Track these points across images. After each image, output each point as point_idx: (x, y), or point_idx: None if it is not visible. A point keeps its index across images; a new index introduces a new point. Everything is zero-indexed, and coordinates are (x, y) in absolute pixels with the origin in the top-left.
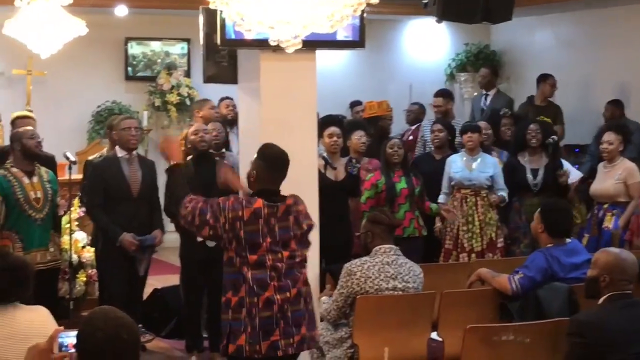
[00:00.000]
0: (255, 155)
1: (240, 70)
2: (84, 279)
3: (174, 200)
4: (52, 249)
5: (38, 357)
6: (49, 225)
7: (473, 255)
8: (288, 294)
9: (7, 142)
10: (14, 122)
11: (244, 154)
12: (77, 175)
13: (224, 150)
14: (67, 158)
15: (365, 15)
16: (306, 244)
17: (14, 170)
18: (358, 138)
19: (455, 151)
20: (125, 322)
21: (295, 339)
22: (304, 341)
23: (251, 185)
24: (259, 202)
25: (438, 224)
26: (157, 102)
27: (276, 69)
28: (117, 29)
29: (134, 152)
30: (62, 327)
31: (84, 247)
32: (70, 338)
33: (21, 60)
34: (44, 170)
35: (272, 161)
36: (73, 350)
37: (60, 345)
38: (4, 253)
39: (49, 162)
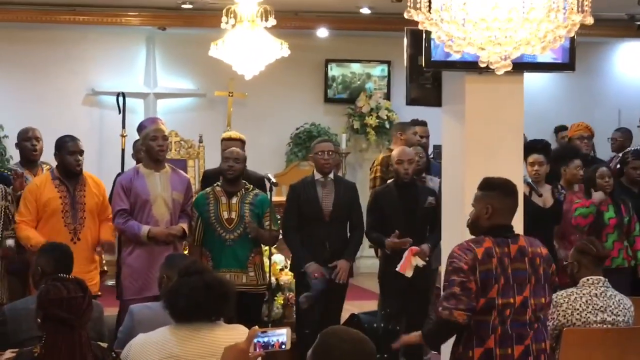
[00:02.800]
0: (481, 192)
1: (445, 93)
2: (282, 301)
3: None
4: (251, 273)
5: (236, 356)
6: (244, 247)
7: None
8: (510, 350)
9: (208, 162)
10: (221, 143)
11: (446, 178)
12: (278, 197)
13: (424, 175)
14: (268, 180)
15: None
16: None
17: (218, 189)
18: (576, 169)
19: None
20: (367, 339)
21: None
22: None
23: (480, 224)
24: (488, 241)
25: None
26: (356, 125)
27: (482, 91)
28: (318, 51)
29: (330, 175)
30: (257, 327)
31: (282, 269)
32: (274, 337)
33: (222, 82)
34: (253, 194)
35: (506, 188)
36: (279, 349)
37: (267, 344)
38: (202, 269)
39: (259, 182)
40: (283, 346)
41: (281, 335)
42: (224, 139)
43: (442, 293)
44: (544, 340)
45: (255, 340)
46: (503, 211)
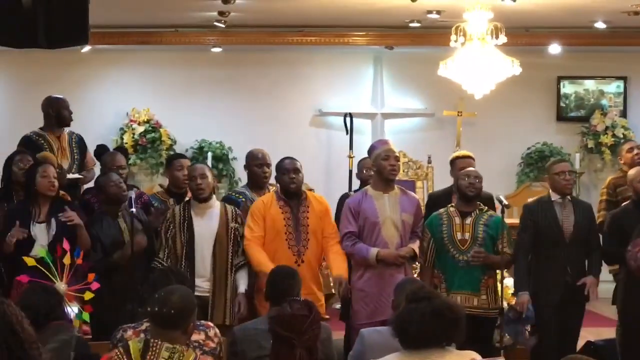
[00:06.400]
0: None
1: None
2: None
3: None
4: (483, 296)
5: None
6: (477, 269)
7: None
8: None
9: (437, 183)
10: (453, 162)
11: None
12: (510, 220)
13: None
14: (500, 202)
15: None
16: None
17: (452, 209)
18: None
19: None
20: None
21: None
22: None
23: None
24: None
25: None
26: (590, 144)
27: None
28: (550, 68)
29: (568, 196)
30: (476, 356)
31: (514, 294)
32: None
33: (451, 101)
34: (487, 214)
35: None
36: None
37: None
38: (430, 294)
39: (488, 202)
40: None
41: None
42: (457, 158)
43: None
44: None
45: None
46: None
